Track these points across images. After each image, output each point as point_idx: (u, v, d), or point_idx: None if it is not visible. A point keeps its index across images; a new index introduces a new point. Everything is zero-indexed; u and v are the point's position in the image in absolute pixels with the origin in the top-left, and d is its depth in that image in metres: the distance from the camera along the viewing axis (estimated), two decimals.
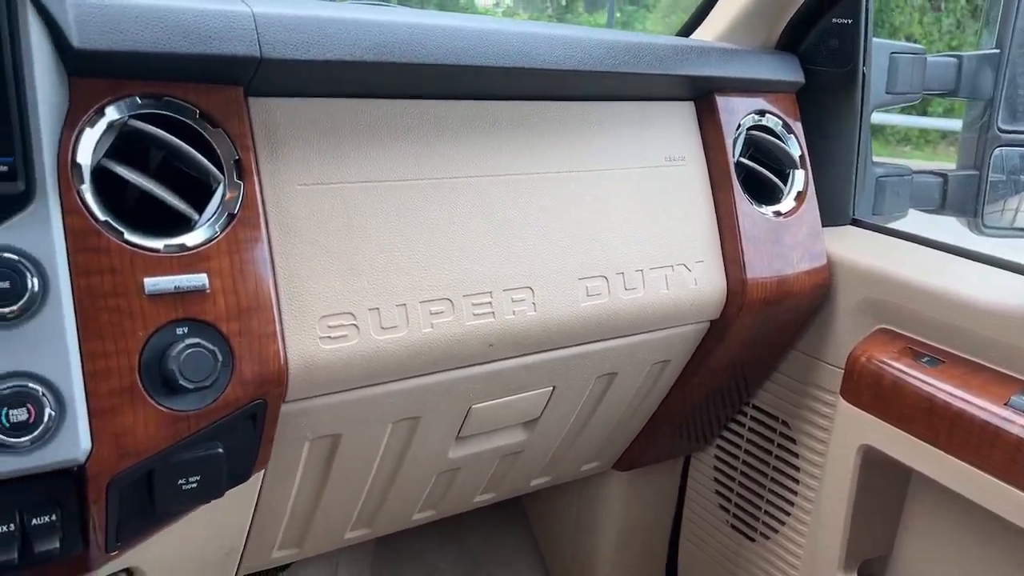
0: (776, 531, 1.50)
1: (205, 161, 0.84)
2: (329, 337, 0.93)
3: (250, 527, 1.10)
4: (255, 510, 1.07)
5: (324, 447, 1.05)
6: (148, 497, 0.85)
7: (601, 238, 1.12)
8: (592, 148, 1.13)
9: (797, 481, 1.44)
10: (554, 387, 1.19)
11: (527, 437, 1.28)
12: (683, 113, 1.24)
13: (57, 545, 0.77)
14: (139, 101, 0.83)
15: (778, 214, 1.28)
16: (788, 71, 1.33)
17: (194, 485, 0.86)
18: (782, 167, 1.32)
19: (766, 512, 1.52)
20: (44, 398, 0.73)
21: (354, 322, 0.95)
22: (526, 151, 1.08)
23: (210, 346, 0.80)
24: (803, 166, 1.33)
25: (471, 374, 1.07)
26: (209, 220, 0.85)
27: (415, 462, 1.18)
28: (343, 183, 0.95)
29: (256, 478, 0.99)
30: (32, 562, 0.77)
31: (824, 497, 1.35)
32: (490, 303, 1.04)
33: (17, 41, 0.71)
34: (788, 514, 1.47)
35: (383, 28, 0.93)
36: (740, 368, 1.39)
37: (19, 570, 0.78)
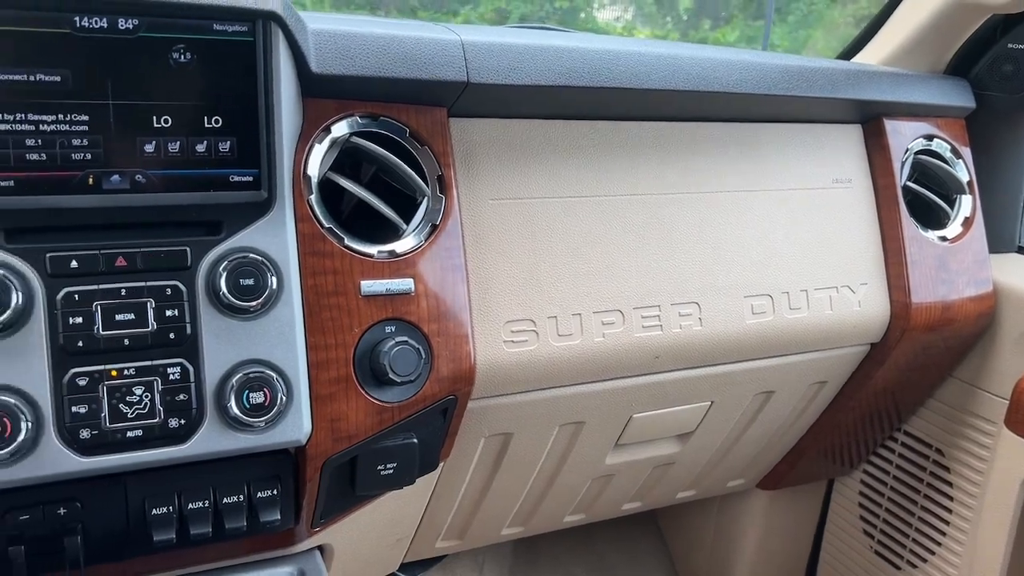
0: (925, 560, 1.48)
1: (416, 176, 0.92)
2: (512, 341, 1.00)
3: (422, 516, 1.18)
4: (429, 500, 1.15)
5: (497, 444, 1.12)
6: (350, 480, 0.93)
7: (768, 257, 1.15)
8: (762, 169, 1.16)
9: (950, 511, 1.42)
10: (712, 402, 1.22)
11: (680, 449, 1.31)
12: (851, 136, 1.25)
13: (278, 516, 0.86)
14: (359, 120, 0.92)
15: (944, 239, 1.27)
16: (958, 96, 1.32)
17: (391, 471, 0.93)
18: (949, 192, 1.31)
19: (914, 540, 1.50)
20: (277, 383, 0.82)
21: (534, 328, 1.01)
22: (699, 170, 1.12)
23: (415, 344, 0.88)
24: (971, 192, 1.31)
25: (635, 384, 1.12)
26: (415, 229, 0.93)
27: (574, 465, 1.23)
28: (529, 198, 1.02)
29: (435, 470, 1.06)
30: (256, 530, 0.86)
31: (981, 529, 1.32)
32: (658, 316, 1.08)
33: (270, 68, 0.80)
34: (939, 544, 1.44)
35: (573, 54, 1.00)
36: (896, 393, 1.38)
37: (243, 537, 0.87)
